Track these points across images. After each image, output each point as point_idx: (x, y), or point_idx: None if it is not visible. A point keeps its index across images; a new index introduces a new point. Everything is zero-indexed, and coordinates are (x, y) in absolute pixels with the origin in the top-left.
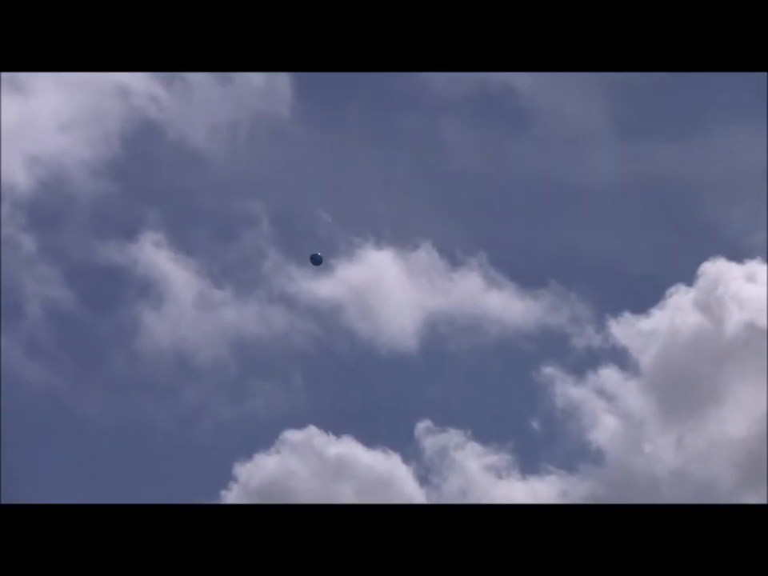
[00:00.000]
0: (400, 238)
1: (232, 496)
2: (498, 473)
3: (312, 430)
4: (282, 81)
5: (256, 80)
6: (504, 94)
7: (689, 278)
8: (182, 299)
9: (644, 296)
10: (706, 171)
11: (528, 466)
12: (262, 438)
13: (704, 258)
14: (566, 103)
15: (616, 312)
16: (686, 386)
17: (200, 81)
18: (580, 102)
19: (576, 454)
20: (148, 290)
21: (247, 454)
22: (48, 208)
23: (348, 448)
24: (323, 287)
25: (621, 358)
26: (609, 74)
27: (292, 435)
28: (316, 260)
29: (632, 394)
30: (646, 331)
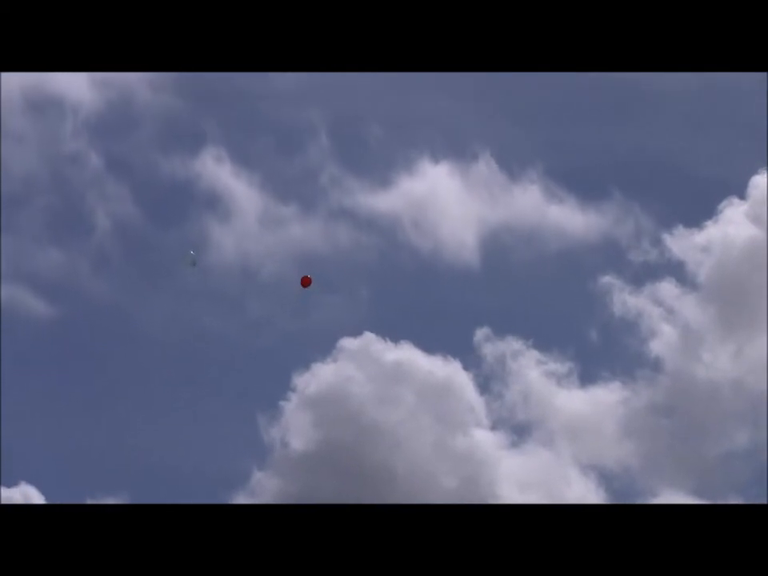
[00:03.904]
0: (457, 148)
1: (290, 406)
2: (558, 380)
3: (368, 336)
4: None
5: None
6: None
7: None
8: (247, 214)
9: (701, 208)
10: None
11: (588, 373)
12: (320, 347)
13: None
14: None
15: (671, 225)
16: (743, 297)
17: None
18: None
19: (635, 363)
20: (214, 204)
21: (305, 363)
22: (113, 124)
23: (406, 354)
24: (382, 201)
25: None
26: None
27: (348, 343)
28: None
29: (690, 306)
30: (702, 245)
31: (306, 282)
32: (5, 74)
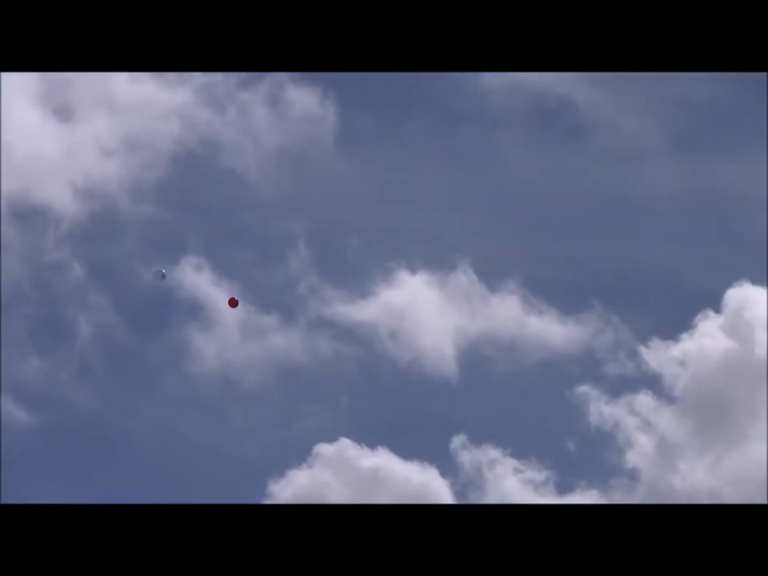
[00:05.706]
0: (437, 258)
1: None
2: (536, 488)
3: (344, 442)
4: (330, 106)
5: (306, 103)
6: (561, 108)
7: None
8: (228, 323)
9: (678, 320)
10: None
11: (565, 482)
12: (295, 453)
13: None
14: (622, 117)
15: (646, 338)
16: (719, 410)
17: (246, 101)
18: (637, 116)
19: (612, 472)
20: (195, 313)
21: (280, 470)
22: (95, 234)
23: (383, 460)
24: (361, 311)
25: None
26: (666, 88)
27: (324, 449)
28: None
29: (666, 418)
30: (678, 357)
31: (233, 303)
32: None
